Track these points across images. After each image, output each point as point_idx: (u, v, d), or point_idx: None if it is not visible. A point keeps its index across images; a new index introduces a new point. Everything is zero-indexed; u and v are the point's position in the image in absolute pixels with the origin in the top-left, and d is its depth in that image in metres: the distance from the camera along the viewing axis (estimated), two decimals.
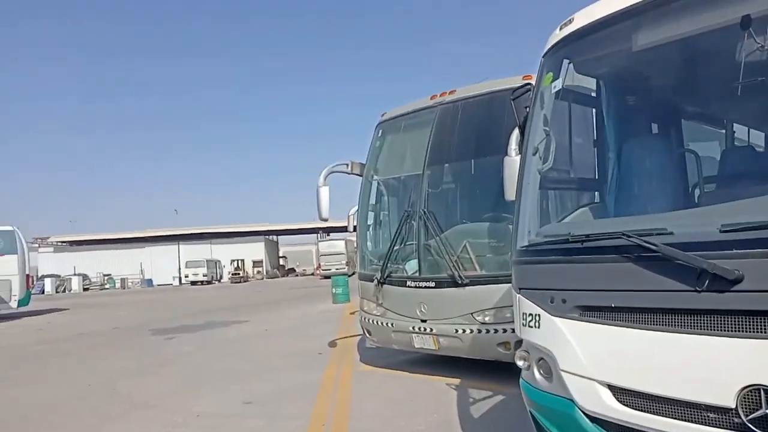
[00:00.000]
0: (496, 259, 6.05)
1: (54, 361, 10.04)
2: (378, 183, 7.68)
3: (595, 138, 3.66)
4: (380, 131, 7.63)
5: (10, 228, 22.34)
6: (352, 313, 7.48)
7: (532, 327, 2.97)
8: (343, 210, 9.45)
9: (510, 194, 3.62)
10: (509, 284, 4.93)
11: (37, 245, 66.13)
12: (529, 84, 3.75)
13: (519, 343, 3.35)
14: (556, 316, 2.81)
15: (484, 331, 5.90)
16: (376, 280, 6.93)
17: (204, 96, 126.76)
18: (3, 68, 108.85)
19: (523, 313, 3.05)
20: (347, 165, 7.78)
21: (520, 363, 3.13)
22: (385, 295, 6.85)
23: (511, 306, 3.49)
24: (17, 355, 11.12)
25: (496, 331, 5.81)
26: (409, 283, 6.56)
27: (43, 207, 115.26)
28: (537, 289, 2.98)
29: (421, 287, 6.41)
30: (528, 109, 3.53)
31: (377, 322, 6.96)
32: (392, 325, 6.71)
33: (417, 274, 6.50)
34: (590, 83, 3.57)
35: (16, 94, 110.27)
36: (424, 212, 6.44)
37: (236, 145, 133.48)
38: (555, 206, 3.63)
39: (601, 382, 2.56)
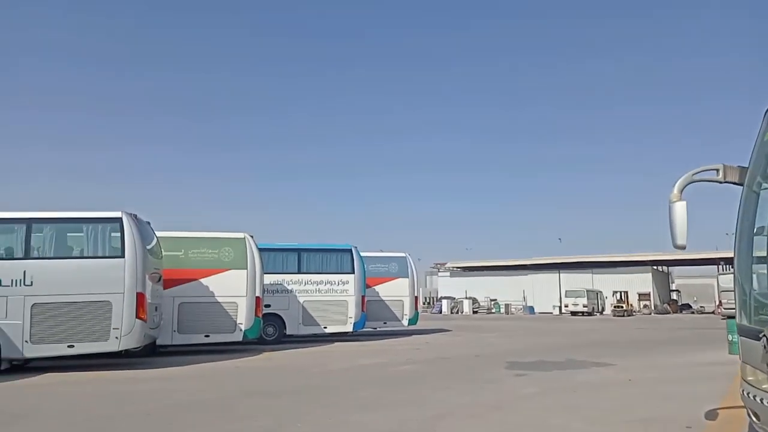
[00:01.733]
0: None
1: (400, 387, 10.26)
2: None
3: None
4: None
5: (402, 254, 25.47)
6: None
7: None
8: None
9: None
10: None
11: (436, 270, 75.67)
12: None
13: None
14: None
15: None
16: (766, 338, 4.58)
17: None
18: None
19: None
20: (717, 171, 5.54)
21: None
22: None
23: None
24: (381, 376, 11.96)
25: None
26: None
27: (445, 235, 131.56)
28: None
29: None
30: None
31: None
32: None
33: None
34: None
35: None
36: None
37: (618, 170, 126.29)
38: None
39: None
